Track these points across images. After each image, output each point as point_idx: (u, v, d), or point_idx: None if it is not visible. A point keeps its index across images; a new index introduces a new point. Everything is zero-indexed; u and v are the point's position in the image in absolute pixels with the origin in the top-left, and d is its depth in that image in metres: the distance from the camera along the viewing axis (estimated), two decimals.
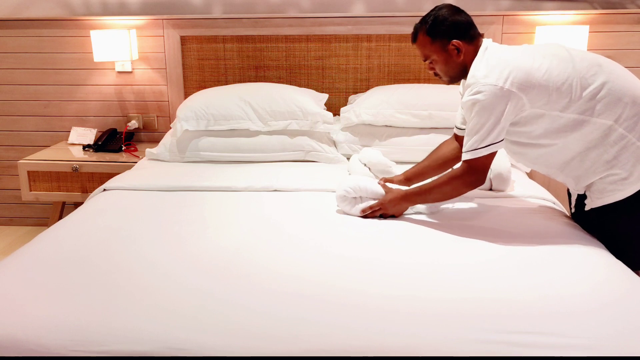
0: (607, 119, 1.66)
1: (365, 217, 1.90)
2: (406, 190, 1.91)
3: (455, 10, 1.80)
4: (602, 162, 1.70)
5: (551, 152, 1.75)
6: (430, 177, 2.04)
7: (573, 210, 1.95)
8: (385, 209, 1.90)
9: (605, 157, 1.69)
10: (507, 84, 1.65)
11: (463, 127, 1.99)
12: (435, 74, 1.88)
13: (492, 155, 1.73)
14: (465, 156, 1.74)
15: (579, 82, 1.67)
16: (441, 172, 2.03)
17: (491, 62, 1.70)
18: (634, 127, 1.65)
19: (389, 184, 1.99)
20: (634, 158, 1.66)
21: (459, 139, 2.03)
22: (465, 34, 1.78)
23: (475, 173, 1.75)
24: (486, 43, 1.79)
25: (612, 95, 1.66)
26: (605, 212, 1.73)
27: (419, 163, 2.12)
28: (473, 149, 1.71)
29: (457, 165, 1.84)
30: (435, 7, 1.82)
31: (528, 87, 1.66)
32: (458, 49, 1.78)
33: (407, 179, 2.07)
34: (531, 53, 1.74)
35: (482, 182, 1.78)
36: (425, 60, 1.86)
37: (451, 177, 1.80)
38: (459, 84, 1.95)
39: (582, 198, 1.85)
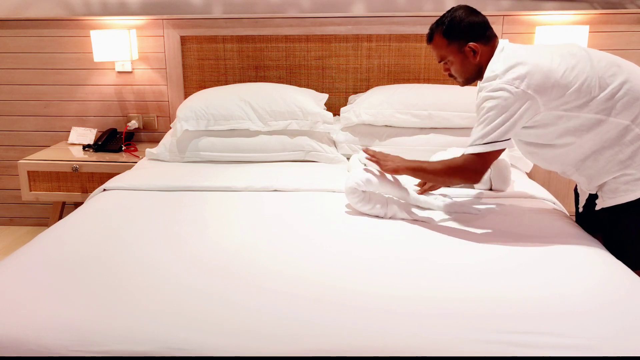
0: (624, 118, 1.65)
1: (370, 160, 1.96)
2: (410, 160, 1.91)
3: (471, 11, 1.80)
4: (616, 162, 1.69)
5: (567, 151, 1.74)
6: None
7: (582, 209, 1.95)
8: (384, 158, 1.93)
9: (620, 156, 1.68)
10: (523, 85, 1.64)
11: None
12: (450, 75, 1.87)
13: (495, 153, 1.71)
14: (470, 149, 1.72)
15: (598, 81, 1.66)
16: None
17: (508, 63, 1.69)
18: None
19: None
20: None
21: None
22: (482, 36, 1.78)
23: (475, 169, 1.73)
24: (502, 43, 1.78)
25: (630, 95, 1.65)
26: (616, 212, 1.73)
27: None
28: (477, 143, 1.69)
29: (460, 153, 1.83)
30: (452, 8, 1.82)
31: (545, 88, 1.65)
32: (474, 51, 1.77)
33: None
34: (549, 53, 1.72)
35: (478, 180, 1.77)
36: (440, 62, 1.85)
37: (449, 167, 1.77)
38: (474, 85, 1.94)
39: (592, 197, 1.84)
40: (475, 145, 1.70)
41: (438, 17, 1.83)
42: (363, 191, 1.93)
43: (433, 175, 1.82)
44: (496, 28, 2.82)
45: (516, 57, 1.70)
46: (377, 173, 1.98)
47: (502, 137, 1.67)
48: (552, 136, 1.72)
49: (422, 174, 1.85)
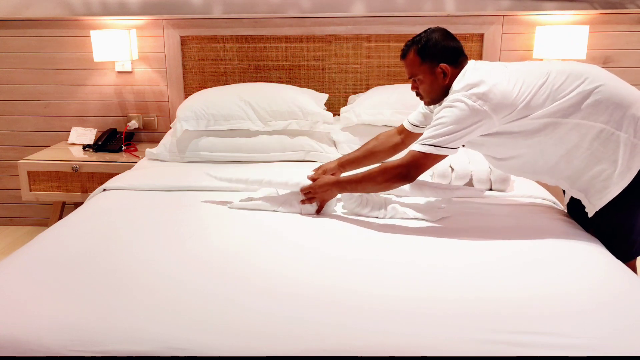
0: (580, 118, 1.69)
1: (303, 202, 1.94)
2: (338, 177, 1.94)
3: (447, 35, 1.84)
4: (590, 158, 1.72)
5: (530, 161, 1.79)
6: (363, 165, 2.08)
7: (565, 209, 1.97)
8: (314, 193, 1.92)
9: (592, 152, 1.71)
10: (480, 103, 1.70)
11: (415, 123, 2.03)
12: (417, 94, 1.91)
13: (436, 158, 1.75)
14: (416, 146, 1.76)
15: (551, 93, 1.71)
16: (373, 162, 2.07)
17: (468, 81, 1.75)
18: (609, 119, 1.68)
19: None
20: (616, 147, 1.68)
21: (402, 133, 2.07)
22: (454, 60, 1.82)
23: (412, 167, 1.76)
24: (467, 66, 1.82)
25: (590, 98, 1.69)
26: (603, 209, 1.74)
27: (354, 151, 2.16)
28: (425, 143, 1.74)
29: (392, 159, 1.87)
30: (428, 29, 1.86)
31: (502, 107, 1.71)
32: (445, 73, 1.81)
33: (341, 165, 2.10)
34: (507, 73, 1.77)
35: (413, 179, 1.79)
36: (410, 78, 1.89)
37: (385, 168, 1.81)
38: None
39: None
40: (422, 144, 1.75)
41: (414, 36, 1.87)
42: (359, 195, 1.93)
43: (371, 183, 1.82)
44: (496, 28, 2.84)
45: (476, 76, 1.75)
46: None
47: (449, 144, 1.72)
48: (507, 147, 1.78)
49: (359, 184, 1.85)
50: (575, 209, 1.94)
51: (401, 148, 2.08)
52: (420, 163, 1.76)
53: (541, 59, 2.77)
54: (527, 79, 1.74)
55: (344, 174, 2.04)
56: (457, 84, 1.77)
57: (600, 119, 1.69)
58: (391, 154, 2.09)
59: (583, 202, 1.81)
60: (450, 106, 1.73)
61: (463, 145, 1.80)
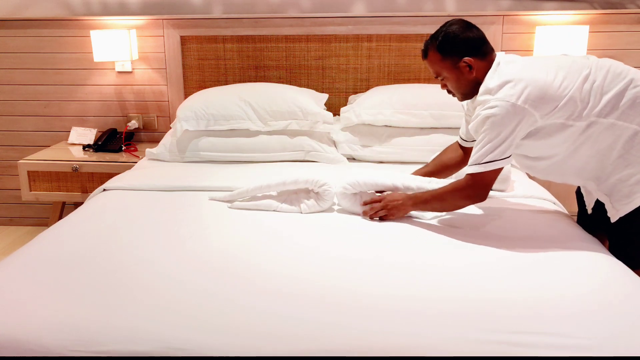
0: (615, 118, 1.64)
1: (369, 217, 1.88)
2: (411, 193, 1.87)
3: (466, 26, 1.76)
4: (619, 161, 1.67)
5: (561, 160, 1.73)
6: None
7: (590, 211, 1.91)
8: (385, 206, 1.86)
9: (623, 153, 1.67)
10: (520, 101, 1.62)
11: (466, 139, 2.00)
12: (448, 92, 1.86)
13: (496, 171, 1.70)
14: (469, 169, 1.72)
15: (592, 89, 1.65)
16: (444, 177, 2.04)
17: (504, 78, 1.67)
18: None
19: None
20: None
21: (462, 148, 2.04)
22: (478, 51, 1.74)
23: (478, 188, 1.72)
24: (499, 58, 1.75)
25: (629, 98, 1.64)
26: (628, 214, 1.70)
27: (423, 167, 2.12)
28: (478, 162, 1.69)
29: (461, 174, 1.80)
30: (446, 22, 1.78)
31: (541, 102, 1.63)
32: (470, 66, 1.74)
33: None
34: (544, 66, 1.70)
35: (484, 198, 1.75)
36: (436, 77, 1.83)
37: (454, 189, 1.77)
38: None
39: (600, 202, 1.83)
40: (474, 165, 1.70)
41: (433, 32, 1.80)
42: (354, 194, 1.93)
43: (441, 203, 1.80)
44: (496, 28, 2.84)
45: (511, 73, 1.68)
46: (364, 174, 1.97)
47: (502, 156, 1.67)
48: (544, 146, 1.71)
49: (429, 203, 1.82)
50: (590, 215, 1.91)
51: (467, 160, 2.01)
52: (483, 183, 1.71)
53: None
54: (569, 74, 1.67)
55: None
56: (490, 80, 1.69)
57: (636, 121, 1.64)
58: (460, 166, 2.05)
59: (606, 206, 1.76)
60: (489, 116, 1.65)
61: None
